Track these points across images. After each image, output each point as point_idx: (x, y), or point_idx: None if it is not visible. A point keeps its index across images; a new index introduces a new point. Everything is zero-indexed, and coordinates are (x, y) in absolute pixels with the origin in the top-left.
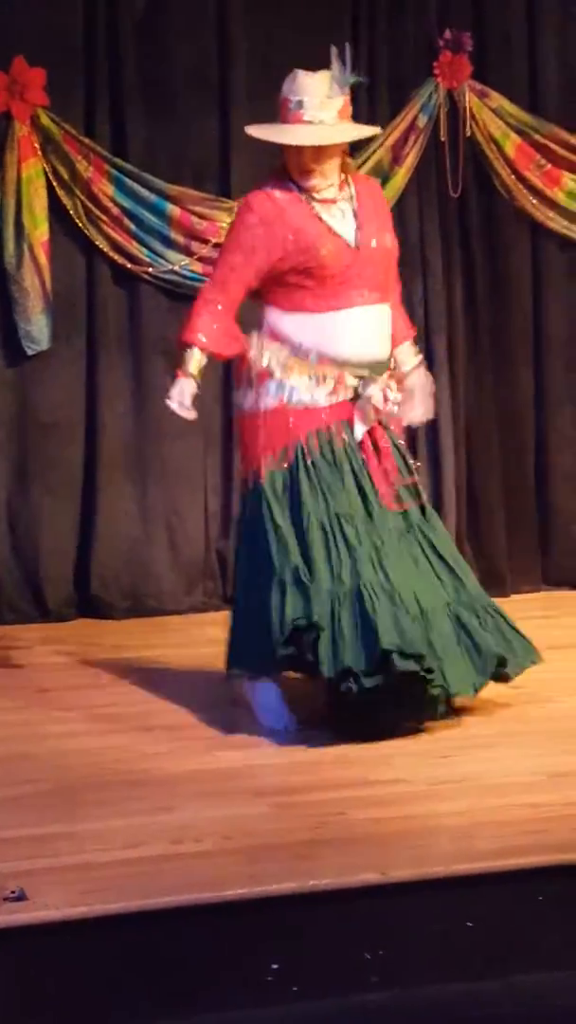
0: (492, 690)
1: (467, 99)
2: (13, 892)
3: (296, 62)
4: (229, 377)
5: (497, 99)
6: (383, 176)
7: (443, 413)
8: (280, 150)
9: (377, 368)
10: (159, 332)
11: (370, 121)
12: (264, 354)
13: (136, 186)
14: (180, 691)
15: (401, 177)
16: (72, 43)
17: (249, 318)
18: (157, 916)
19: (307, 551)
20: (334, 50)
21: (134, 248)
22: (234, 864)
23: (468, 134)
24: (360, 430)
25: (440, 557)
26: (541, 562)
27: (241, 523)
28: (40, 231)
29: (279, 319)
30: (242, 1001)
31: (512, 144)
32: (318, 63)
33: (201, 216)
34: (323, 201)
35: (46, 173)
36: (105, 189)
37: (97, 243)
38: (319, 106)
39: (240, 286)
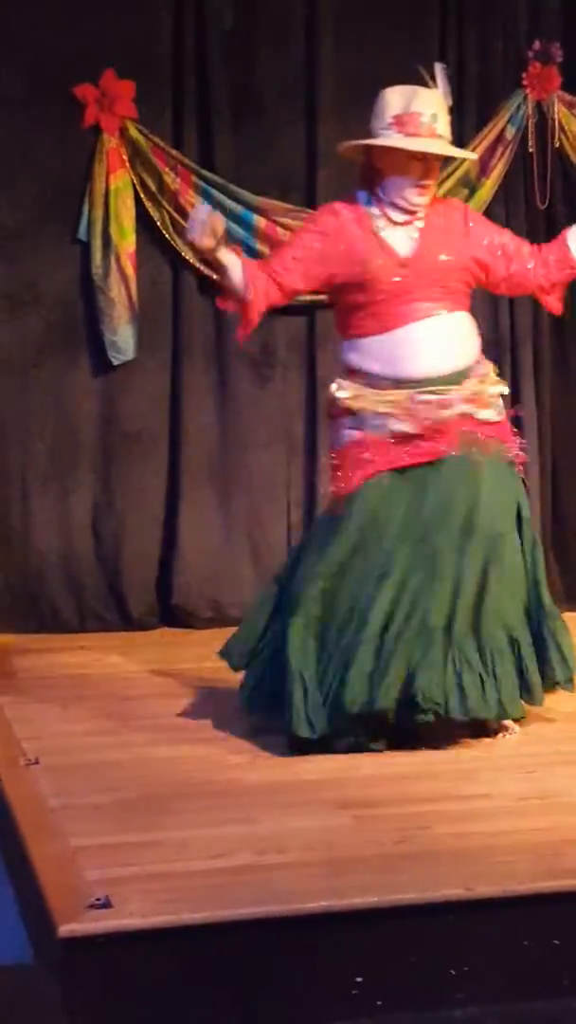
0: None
1: (556, 110)
2: (98, 899)
3: (384, 73)
4: (312, 387)
5: None
6: (470, 187)
7: (528, 424)
8: (369, 163)
9: (455, 379)
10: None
11: (458, 132)
12: (340, 391)
13: (222, 197)
14: None
15: (488, 188)
16: (161, 56)
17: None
18: (240, 927)
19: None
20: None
21: None
22: (317, 876)
23: (556, 145)
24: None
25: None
26: None
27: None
28: (127, 242)
29: (347, 350)
30: (327, 1015)
31: None
32: (406, 74)
33: (286, 227)
34: (396, 223)
35: (134, 185)
36: (192, 200)
37: (183, 254)
38: (446, 123)
39: (295, 269)
